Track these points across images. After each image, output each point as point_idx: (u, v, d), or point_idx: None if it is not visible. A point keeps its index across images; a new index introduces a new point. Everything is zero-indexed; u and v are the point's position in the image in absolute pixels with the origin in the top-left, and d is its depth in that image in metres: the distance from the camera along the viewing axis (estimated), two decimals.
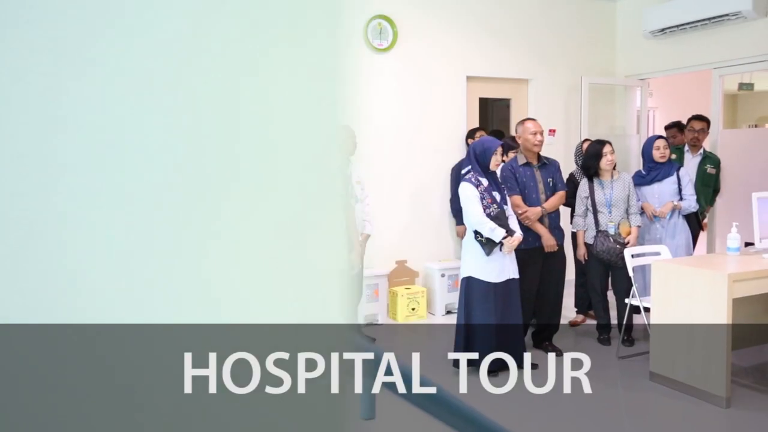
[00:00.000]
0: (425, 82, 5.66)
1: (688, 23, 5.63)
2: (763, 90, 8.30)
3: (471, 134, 5.48)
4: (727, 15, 5.31)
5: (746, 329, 4.06)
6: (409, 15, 5.54)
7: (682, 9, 5.63)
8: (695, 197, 4.75)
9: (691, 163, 5.18)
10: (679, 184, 4.71)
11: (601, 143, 4.60)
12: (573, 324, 5.18)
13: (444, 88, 5.75)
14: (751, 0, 5.12)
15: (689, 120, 5.31)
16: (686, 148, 5.23)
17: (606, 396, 3.70)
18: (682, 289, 3.65)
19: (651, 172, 4.75)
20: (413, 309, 5.34)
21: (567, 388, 4.03)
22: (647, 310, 4.08)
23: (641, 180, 4.78)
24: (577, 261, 4.93)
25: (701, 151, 5.20)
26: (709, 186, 5.18)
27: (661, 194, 4.71)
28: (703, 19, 5.50)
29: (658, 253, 4.34)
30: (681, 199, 4.69)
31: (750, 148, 5.05)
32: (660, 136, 4.87)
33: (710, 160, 5.18)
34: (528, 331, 4.51)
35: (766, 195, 4.02)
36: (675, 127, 5.62)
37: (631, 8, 6.41)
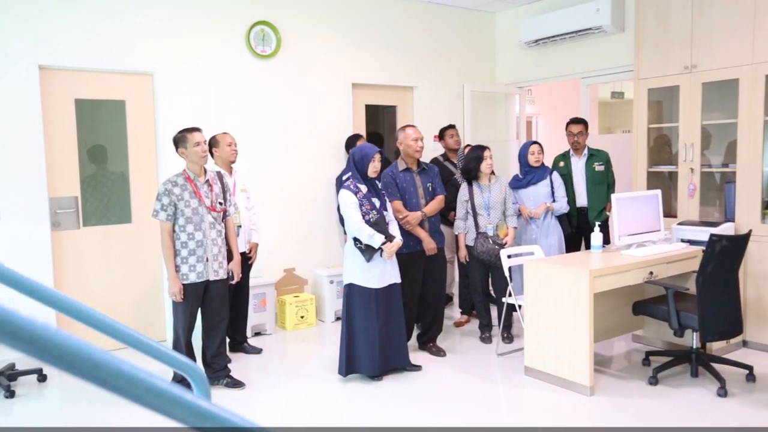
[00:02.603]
0: (311, 89, 5.66)
1: (557, 35, 5.98)
2: (632, 98, 8.95)
3: (351, 141, 5.51)
4: (590, 29, 5.69)
5: (608, 321, 4.37)
6: (292, 22, 5.52)
7: (552, 22, 5.98)
8: (566, 199, 5.04)
9: (578, 165, 5.30)
10: (552, 187, 4.98)
11: (481, 148, 4.78)
12: (457, 324, 5.35)
13: (330, 95, 5.77)
14: (610, 16, 5.52)
15: (567, 124, 5.41)
16: (571, 152, 5.36)
17: (485, 391, 3.84)
18: (551, 286, 3.86)
19: (527, 175, 4.99)
20: (302, 317, 5.31)
21: (451, 387, 4.18)
22: (522, 307, 4.29)
23: (518, 183, 5.01)
24: (460, 263, 5.09)
25: (585, 151, 5.31)
26: (601, 183, 5.20)
27: (536, 197, 4.95)
28: (570, 32, 5.87)
29: (532, 253, 4.57)
30: (554, 200, 4.96)
31: (623, 152, 5.39)
32: (534, 142, 5.11)
33: (596, 158, 5.26)
34: (413, 333, 4.62)
35: (624, 196, 4.34)
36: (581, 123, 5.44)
37: (508, 20, 6.73)
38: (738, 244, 3.78)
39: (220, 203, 3.88)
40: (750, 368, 3.89)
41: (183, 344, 3.79)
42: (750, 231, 3.94)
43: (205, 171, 3.87)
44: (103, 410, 3.60)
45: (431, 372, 4.18)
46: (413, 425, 3.36)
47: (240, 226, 4.37)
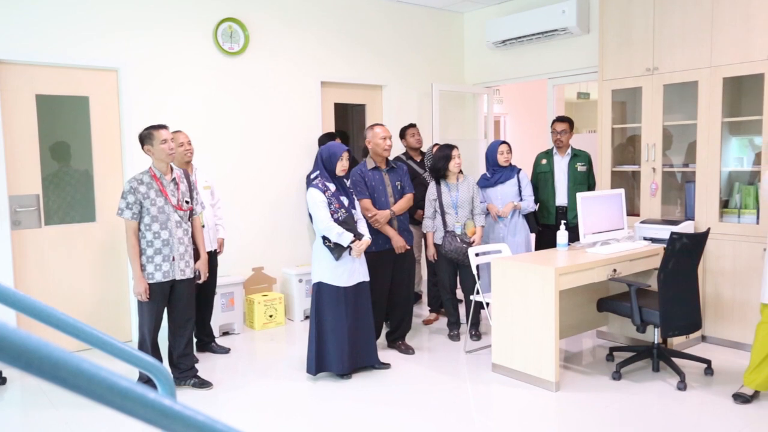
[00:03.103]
0: (280, 87, 5.63)
1: (524, 36, 6.06)
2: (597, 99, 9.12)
3: (324, 140, 5.50)
4: (556, 30, 5.78)
5: (574, 318, 4.45)
6: (261, 19, 5.48)
7: (519, 23, 6.05)
8: (533, 198, 5.11)
9: (561, 164, 5.34)
10: (520, 186, 5.04)
11: (450, 147, 4.82)
12: (426, 322, 5.38)
13: (299, 93, 5.74)
14: (575, 17, 5.61)
15: (552, 122, 5.42)
16: (554, 151, 5.38)
17: (453, 388, 3.87)
18: (518, 284, 3.92)
19: (495, 174, 5.05)
20: (271, 316, 5.28)
21: (420, 384, 4.20)
22: (489, 305, 4.34)
23: (486, 182, 5.06)
24: (429, 261, 5.13)
25: (569, 150, 5.34)
26: (582, 184, 5.22)
27: (504, 196, 5.01)
28: (537, 33, 5.95)
29: (499, 251, 4.62)
30: (521, 199, 5.02)
31: (588, 151, 5.48)
32: (503, 142, 5.16)
33: (579, 158, 5.31)
34: (381, 331, 4.63)
35: (589, 195, 4.43)
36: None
37: (476, 20, 6.80)
38: (697, 242, 3.88)
39: (187, 202, 3.84)
40: (708, 362, 4.01)
41: (149, 345, 3.74)
42: (708, 229, 4.06)
43: (172, 169, 3.82)
44: (66, 414, 3.53)
45: (400, 370, 4.20)
46: (382, 423, 3.38)
47: (203, 226, 4.33)
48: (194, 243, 3.93)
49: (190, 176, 4.00)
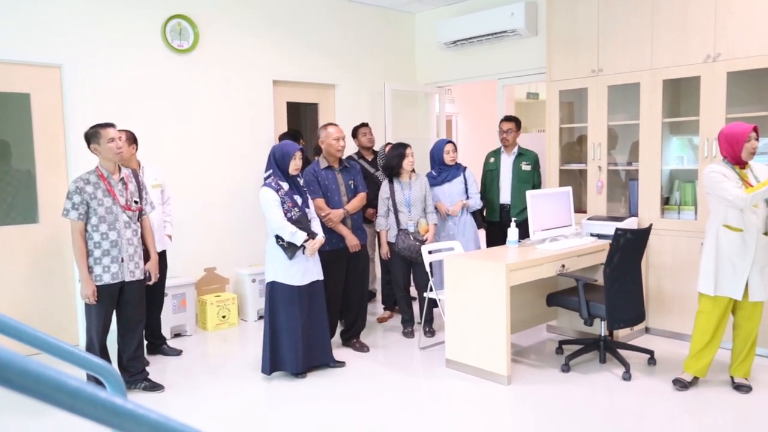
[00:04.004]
0: (231, 86, 5.56)
1: (475, 37, 6.16)
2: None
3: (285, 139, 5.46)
4: (505, 31, 5.90)
5: (524, 313, 4.56)
6: (210, 16, 5.40)
7: (470, 24, 6.15)
8: (479, 195, 5.21)
9: (506, 162, 5.44)
10: (466, 184, 5.13)
11: (404, 146, 4.85)
12: (381, 320, 5.41)
13: (251, 91, 5.69)
14: (524, 20, 5.74)
15: (499, 122, 5.52)
16: (502, 149, 5.48)
17: (408, 385, 3.91)
18: (470, 281, 3.99)
19: (441, 173, 5.11)
20: (224, 317, 5.21)
21: (375, 382, 4.21)
22: (442, 301, 4.40)
23: (433, 181, 5.12)
24: (382, 259, 5.16)
25: (515, 149, 5.44)
26: (526, 182, 5.29)
27: (451, 194, 5.08)
28: (487, 34, 6.05)
29: (452, 249, 4.69)
30: (468, 197, 5.11)
31: (536, 150, 5.61)
32: (449, 141, 5.24)
33: (524, 157, 5.41)
34: (336, 330, 4.64)
35: (538, 193, 4.54)
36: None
37: (427, 21, 6.86)
38: (640, 238, 4.03)
39: (136, 202, 3.76)
40: (651, 353, 4.17)
41: (97, 348, 3.64)
42: (651, 225, 4.22)
43: (120, 168, 3.73)
44: (9, 421, 3.41)
45: (355, 368, 4.21)
46: (338, 421, 3.39)
47: None
48: (144, 244, 3.85)
49: (139, 175, 3.92)
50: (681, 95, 4.88)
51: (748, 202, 3.41)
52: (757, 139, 3.51)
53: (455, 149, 5.15)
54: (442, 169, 5.11)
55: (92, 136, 3.62)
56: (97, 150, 3.62)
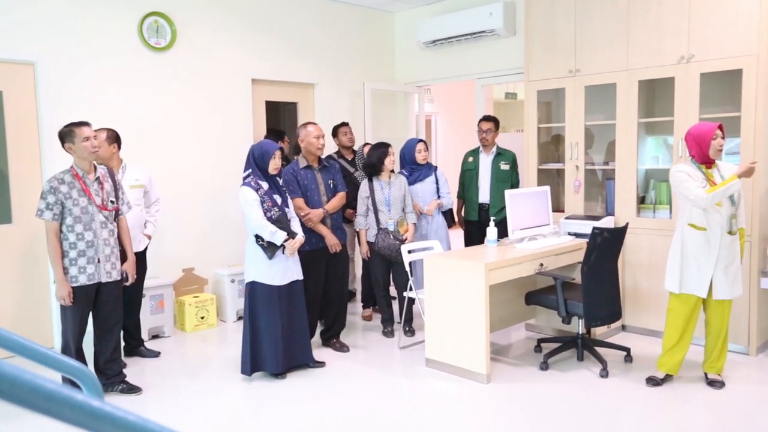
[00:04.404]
0: (209, 84, 5.51)
1: (454, 37, 6.18)
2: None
3: (271, 138, 5.42)
4: (484, 32, 5.93)
5: (503, 311, 4.59)
6: (188, 14, 5.34)
7: (449, 24, 6.17)
8: (450, 195, 5.24)
9: (485, 161, 5.48)
10: (437, 184, 5.15)
11: (385, 145, 4.85)
12: (366, 318, 5.43)
13: (229, 90, 5.64)
14: (502, 20, 5.78)
15: (479, 122, 5.55)
16: (480, 149, 5.52)
17: (388, 384, 3.92)
18: (449, 280, 4.00)
19: (413, 173, 5.12)
20: (202, 317, 5.17)
21: (355, 382, 4.20)
22: (422, 301, 4.41)
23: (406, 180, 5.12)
24: (363, 258, 5.16)
25: (494, 149, 5.48)
26: (505, 182, 5.33)
27: (423, 193, 5.10)
28: (466, 34, 6.08)
29: (431, 248, 4.71)
30: (439, 197, 5.13)
31: (515, 149, 5.66)
32: (420, 140, 5.25)
33: (503, 156, 5.44)
34: (316, 330, 4.63)
35: (517, 192, 4.58)
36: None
37: (407, 20, 6.88)
38: (617, 236, 4.09)
39: (112, 201, 3.70)
40: (628, 350, 4.23)
41: (73, 350, 3.59)
42: (627, 224, 4.28)
43: (95, 167, 3.68)
44: None
45: (335, 368, 4.21)
46: (318, 421, 3.38)
47: None
48: (121, 244, 3.80)
49: (115, 175, 3.86)
50: (656, 96, 4.95)
51: (708, 201, 3.48)
52: (723, 138, 3.59)
53: (426, 148, 5.18)
54: (414, 169, 5.12)
55: (66, 135, 3.56)
56: (72, 149, 3.56)
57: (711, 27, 4.28)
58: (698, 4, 4.32)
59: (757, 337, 4.27)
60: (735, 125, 4.28)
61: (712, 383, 3.72)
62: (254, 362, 3.96)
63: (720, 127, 3.59)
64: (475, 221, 5.43)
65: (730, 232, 3.58)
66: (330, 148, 5.57)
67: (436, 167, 5.21)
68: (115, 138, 4.29)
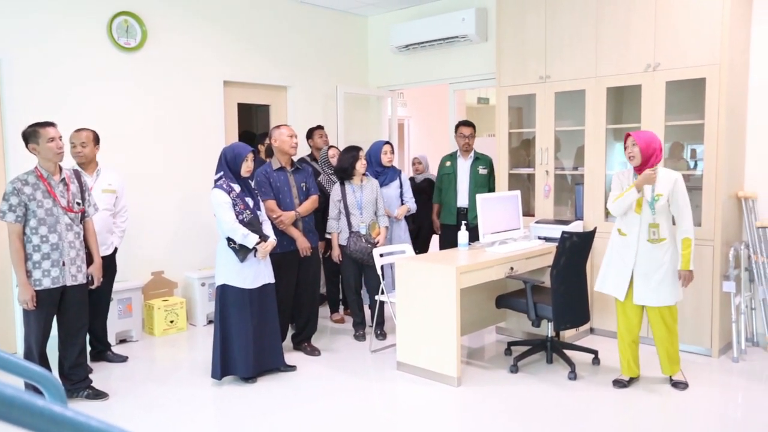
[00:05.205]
0: (180, 86, 5.45)
1: (426, 41, 6.22)
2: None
3: (246, 140, 5.39)
4: (456, 37, 5.98)
5: (474, 315, 4.62)
6: (159, 14, 5.28)
7: (422, 28, 6.21)
8: (414, 199, 5.27)
9: (464, 166, 5.54)
10: (402, 188, 5.18)
11: (356, 148, 4.85)
12: (338, 320, 5.43)
13: (201, 92, 5.59)
14: (474, 25, 5.83)
15: (457, 126, 5.61)
16: (458, 153, 5.58)
17: (359, 388, 3.91)
18: (421, 283, 4.02)
19: (379, 176, 5.13)
20: (172, 321, 5.10)
21: (326, 386, 4.17)
22: (393, 304, 4.41)
23: None
24: (326, 262, 5.16)
25: (472, 153, 5.55)
26: (483, 186, 5.43)
27: (388, 197, 5.12)
28: (439, 39, 6.13)
29: (403, 252, 4.72)
30: (402, 202, 5.16)
31: (487, 154, 5.71)
32: (387, 142, 5.26)
33: (481, 161, 5.53)
34: (287, 333, 4.60)
35: (488, 196, 4.62)
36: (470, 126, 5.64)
37: (380, 24, 6.90)
38: (585, 240, 4.15)
39: (78, 203, 3.63)
40: (595, 353, 4.30)
41: (36, 355, 3.50)
42: (595, 228, 4.35)
43: (61, 169, 3.60)
44: None
45: (306, 371, 4.19)
46: (289, 426, 3.36)
47: None
48: (87, 246, 3.73)
49: (81, 176, 3.79)
50: (624, 103, 5.05)
51: (612, 210, 3.76)
52: (635, 145, 3.69)
53: (392, 150, 5.20)
54: (380, 172, 5.14)
55: (31, 136, 3.49)
56: (36, 150, 3.49)
57: (676, 36, 4.38)
58: (664, 15, 4.43)
59: (719, 339, 4.38)
60: (699, 132, 4.39)
61: (675, 385, 3.80)
62: (224, 366, 3.92)
63: (626, 136, 3.76)
64: (453, 225, 5.46)
65: (650, 240, 3.67)
66: (302, 151, 5.55)
67: (400, 171, 5.26)
68: (98, 139, 4.23)
